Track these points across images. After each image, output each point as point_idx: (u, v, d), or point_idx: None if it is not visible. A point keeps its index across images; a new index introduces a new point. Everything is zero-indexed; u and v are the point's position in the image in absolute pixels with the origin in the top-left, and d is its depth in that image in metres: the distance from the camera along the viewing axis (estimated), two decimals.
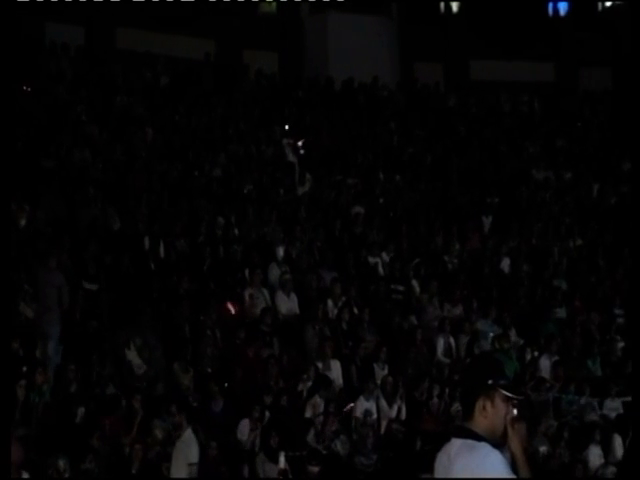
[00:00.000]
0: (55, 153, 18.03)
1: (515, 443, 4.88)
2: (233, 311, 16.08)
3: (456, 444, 4.84)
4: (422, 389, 15.47)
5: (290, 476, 13.09)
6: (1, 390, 6.75)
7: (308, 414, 14.60)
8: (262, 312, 16.13)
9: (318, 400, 14.66)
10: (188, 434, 11.18)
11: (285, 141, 21.59)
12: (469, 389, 4.90)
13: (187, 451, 11.05)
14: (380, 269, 18.40)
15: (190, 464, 11.00)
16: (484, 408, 4.82)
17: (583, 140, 25.05)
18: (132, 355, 14.49)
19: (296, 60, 26.49)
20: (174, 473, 11.17)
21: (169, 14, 23.64)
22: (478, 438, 4.78)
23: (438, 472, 4.87)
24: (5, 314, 7.82)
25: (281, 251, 17.83)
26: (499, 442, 4.81)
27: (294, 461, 13.37)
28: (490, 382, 4.83)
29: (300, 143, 21.79)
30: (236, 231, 18.00)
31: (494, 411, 4.82)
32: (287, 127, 22.08)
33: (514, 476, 4.70)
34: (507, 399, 4.84)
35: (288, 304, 16.80)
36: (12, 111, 14.86)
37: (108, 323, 14.95)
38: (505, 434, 4.84)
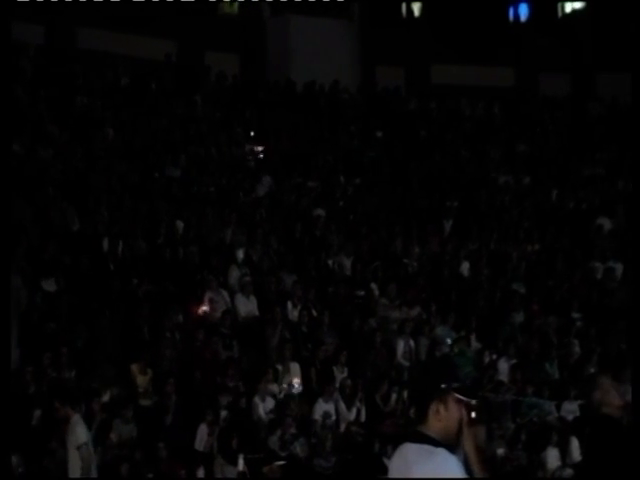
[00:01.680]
0: (15, 153, 17.90)
1: (469, 444, 4.88)
2: (201, 312, 16.03)
3: (412, 449, 4.83)
4: (381, 392, 15.51)
5: (248, 478, 13.08)
6: None
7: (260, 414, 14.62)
8: (222, 314, 16.11)
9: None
10: (75, 419, 11.01)
11: (248, 147, 21.61)
12: (422, 393, 4.89)
13: (73, 436, 10.87)
14: (340, 272, 18.43)
15: (78, 446, 10.82)
16: (438, 411, 4.82)
17: (542, 145, 25.23)
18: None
19: (257, 62, 26.46)
20: (70, 460, 10.94)
21: (130, 14, 23.53)
22: (435, 443, 4.77)
23: (394, 477, 4.86)
24: None
25: (241, 253, 17.81)
26: (453, 444, 4.81)
27: (253, 463, 13.36)
28: (443, 386, 4.83)
29: (260, 148, 21.81)
30: (196, 233, 17.95)
31: (448, 414, 4.82)
32: (252, 134, 22.09)
33: None
34: (461, 402, 4.85)
35: (248, 306, 16.80)
36: None
37: (67, 325, 14.86)
38: (459, 436, 4.84)
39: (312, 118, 23.68)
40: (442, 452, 4.74)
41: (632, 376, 5.96)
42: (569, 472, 14.94)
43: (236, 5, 26.92)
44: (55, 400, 11.07)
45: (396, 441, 5.02)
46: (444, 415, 4.81)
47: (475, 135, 25.06)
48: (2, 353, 7.62)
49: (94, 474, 11.02)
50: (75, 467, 10.83)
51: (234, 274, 17.28)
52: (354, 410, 15.31)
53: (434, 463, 4.72)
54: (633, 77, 14.35)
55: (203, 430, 13.97)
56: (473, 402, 4.88)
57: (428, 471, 4.70)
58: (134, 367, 14.54)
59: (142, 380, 14.42)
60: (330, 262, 18.54)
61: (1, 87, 8.77)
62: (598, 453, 7.14)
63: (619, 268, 20.60)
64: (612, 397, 7.11)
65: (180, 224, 17.86)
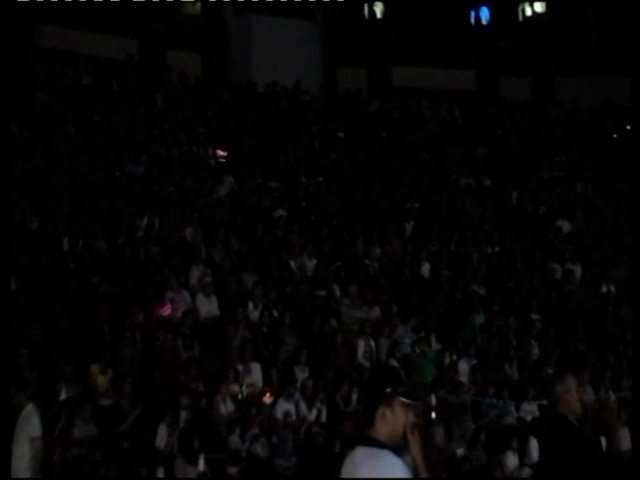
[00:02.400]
0: None
1: (415, 448, 5.00)
2: (163, 313, 15.97)
3: (360, 452, 5.00)
4: (342, 392, 15.54)
5: (209, 478, 13.06)
6: None
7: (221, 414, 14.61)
8: (183, 314, 16.07)
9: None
10: (29, 408, 10.80)
11: (210, 151, 21.58)
12: (370, 397, 5.06)
13: (28, 426, 10.65)
14: (301, 272, 18.44)
15: (33, 439, 10.63)
16: (384, 415, 4.99)
17: (503, 148, 25.41)
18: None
19: (220, 62, 26.43)
20: (16, 451, 10.66)
21: (92, 13, 23.41)
22: (381, 446, 4.94)
23: (344, 476, 5.01)
24: None
25: (202, 253, 17.77)
26: (400, 447, 4.96)
27: (213, 464, 13.34)
28: (389, 390, 4.99)
29: (221, 152, 21.79)
30: (157, 233, 17.90)
31: (393, 418, 4.98)
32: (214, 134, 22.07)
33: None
34: (406, 406, 4.99)
35: (208, 306, 16.76)
36: None
37: (26, 323, 14.75)
38: (406, 439, 4.98)
39: (274, 119, 23.68)
40: (387, 454, 4.92)
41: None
42: (527, 472, 15.05)
43: (199, 5, 26.86)
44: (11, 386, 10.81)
45: (356, 442, 5.11)
46: (390, 419, 4.99)
47: (436, 137, 25.20)
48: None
49: (38, 473, 10.78)
50: (23, 460, 10.53)
51: (195, 274, 17.24)
52: (315, 410, 15.32)
53: (378, 465, 4.90)
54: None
55: (163, 430, 13.93)
56: (420, 405, 5.16)
57: (372, 473, 4.89)
58: (94, 367, 14.46)
59: (102, 380, 14.35)
60: (291, 263, 18.55)
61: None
62: (552, 453, 7.21)
63: (578, 270, 20.79)
64: (572, 398, 7.18)
65: (141, 223, 17.79)
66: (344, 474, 5.01)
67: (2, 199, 8.11)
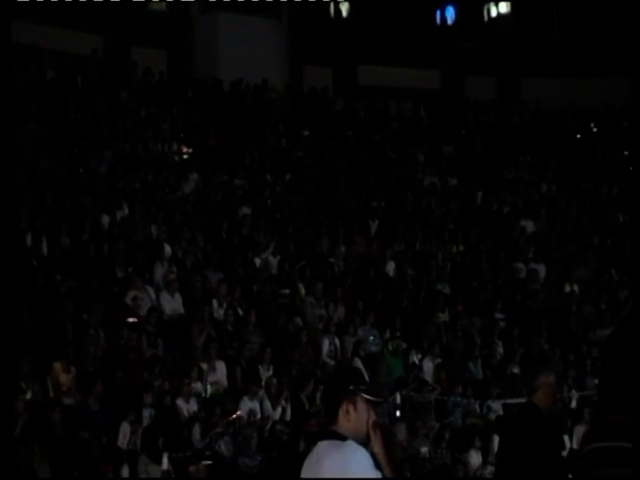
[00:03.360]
0: None
1: (377, 445, 5.06)
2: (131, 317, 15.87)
3: (323, 445, 5.07)
4: (307, 391, 15.52)
5: (173, 477, 12.99)
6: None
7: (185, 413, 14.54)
8: (147, 312, 15.98)
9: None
10: None
11: (175, 148, 21.48)
12: (333, 394, 5.14)
13: None
14: (266, 271, 18.40)
15: None
16: (347, 412, 5.06)
17: (467, 148, 25.48)
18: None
19: (185, 59, 26.31)
20: None
21: (57, 7, 23.21)
22: (343, 438, 5.01)
23: (305, 473, 5.06)
24: None
25: (167, 251, 17.68)
26: (363, 444, 5.03)
27: (177, 462, 13.27)
28: (352, 387, 5.07)
29: (186, 149, 21.70)
30: (121, 230, 17.78)
31: (356, 414, 5.05)
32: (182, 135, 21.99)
33: (378, 472, 4.94)
34: (369, 403, 5.07)
35: (173, 304, 16.69)
36: None
37: None
38: (368, 436, 5.05)
39: (239, 116, 23.61)
40: (350, 444, 4.99)
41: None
42: (491, 470, 15.10)
43: (164, 1, 26.73)
44: None
45: (319, 438, 5.19)
46: (353, 415, 5.06)
47: (401, 136, 25.23)
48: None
49: None
50: None
51: (159, 271, 17.16)
52: (279, 409, 15.30)
53: (342, 454, 4.96)
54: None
55: (126, 428, 13.85)
56: (383, 402, 5.11)
57: (337, 462, 4.94)
58: (57, 365, 14.34)
59: (65, 378, 14.23)
60: (256, 261, 18.50)
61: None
62: (516, 440, 7.32)
63: (542, 270, 20.91)
64: (550, 391, 7.36)
65: (105, 220, 17.67)
66: (306, 469, 5.06)
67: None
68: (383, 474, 4.98)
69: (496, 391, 16.77)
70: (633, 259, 15.92)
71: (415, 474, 14.50)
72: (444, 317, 18.59)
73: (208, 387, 15.21)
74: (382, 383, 15.88)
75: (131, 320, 15.78)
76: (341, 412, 5.05)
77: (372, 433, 5.05)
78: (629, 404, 8.10)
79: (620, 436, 8.00)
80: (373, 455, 5.03)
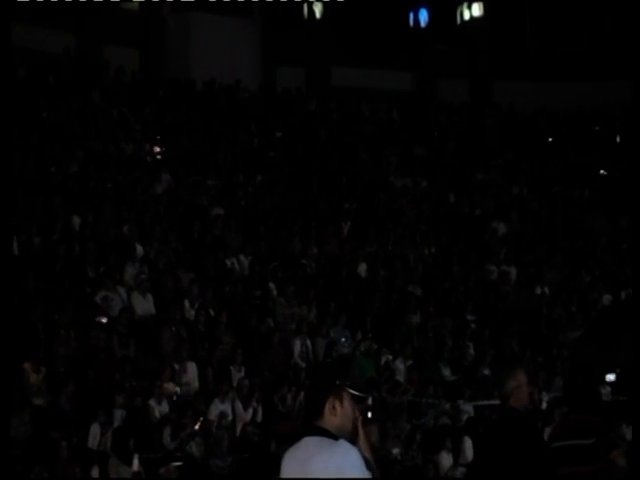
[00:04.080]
0: None
1: (365, 444, 5.03)
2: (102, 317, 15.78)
3: (313, 441, 4.94)
4: (279, 392, 15.50)
5: (143, 478, 12.94)
6: None
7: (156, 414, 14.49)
8: (118, 312, 15.91)
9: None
10: None
11: (147, 148, 21.40)
12: (318, 390, 5.05)
13: None
14: (238, 271, 18.37)
15: None
16: (334, 407, 4.98)
17: (440, 150, 25.55)
18: None
19: (157, 59, 26.22)
20: None
21: (28, 5, 23.06)
22: (332, 435, 4.92)
23: (291, 471, 4.92)
24: None
25: (138, 251, 17.61)
26: (349, 439, 4.95)
27: (148, 463, 13.22)
28: (338, 382, 5.01)
29: (158, 149, 21.62)
30: (92, 230, 17.70)
31: (343, 410, 4.98)
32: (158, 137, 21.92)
33: (369, 472, 4.85)
34: (355, 398, 5.01)
35: (144, 305, 16.63)
36: None
37: None
38: (355, 433, 5.00)
39: (212, 116, 23.56)
40: (343, 443, 4.89)
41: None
42: (461, 471, 15.15)
43: (137, 1, 26.62)
44: None
45: (292, 441, 5.08)
46: (339, 411, 4.97)
47: (374, 138, 25.25)
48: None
49: None
50: None
51: (131, 272, 17.08)
52: (251, 410, 15.28)
53: (336, 453, 4.84)
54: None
55: (96, 429, 13.79)
56: (368, 398, 5.10)
57: (330, 461, 4.82)
58: (27, 365, 14.24)
59: (35, 379, 14.14)
60: (228, 261, 18.47)
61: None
62: (499, 444, 7.33)
63: (513, 272, 20.99)
64: (523, 392, 7.36)
65: (77, 220, 17.58)
66: (291, 464, 4.94)
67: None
68: (372, 472, 4.93)
69: (467, 393, 16.81)
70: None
71: (386, 476, 14.51)
72: (415, 318, 18.63)
73: (179, 389, 15.15)
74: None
75: (101, 319, 15.70)
76: (327, 407, 4.97)
77: (361, 431, 5.01)
78: (592, 403, 8.20)
79: (580, 434, 8.09)
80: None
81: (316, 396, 5.04)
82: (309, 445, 4.94)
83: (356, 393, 5.01)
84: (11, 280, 8.51)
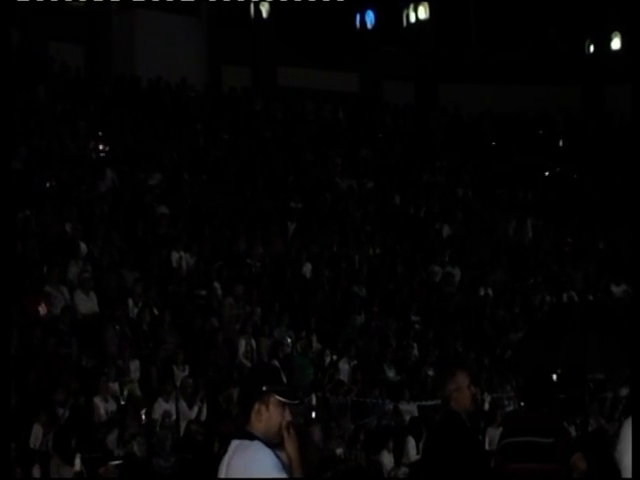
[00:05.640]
0: None
1: (290, 446, 5.12)
2: (40, 310, 15.59)
3: (234, 445, 5.15)
4: (224, 391, 15.45)
5: (85, 478, 12.83)
6: None
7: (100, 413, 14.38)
8: (61, 311, 15.75)
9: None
10: None
11: (92, 145, 21.22)
12: (246, 394, 5.21)
13: None
14: (182, 270, 18.28)
15: None
16: (259, 412, 5.12)
17: (385, 151, 25.64)
18: None
19: (103, 56, 26.02)
20: None
21: None
22: (252, 438, 5.09)
23: (220, 473, 5.16)
24: None
25: (82, 249, 17.45)
26: (276, 444, 5.10)
27: (90, 463, 13.10)
28: (265, 388, 5.12)
29: (102, 147, 21.45)
30: (35, 227, 17.51)
31: (268, 415, 5.11)
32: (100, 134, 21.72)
33: (282, 471, 5.01)
34: (282, 404, 5.11)
35: (87, 303, 16.50)
36: None
37: None
38: (281, 437, 5.11)
39: (157, 114, 23.42)
40: (256, 444, 5.06)
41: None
42: (404, 471, 15.21)
43: None
44: None
45: (232, 437, 5.25)
46: (265, 416, 5.11)
47: (320, 138, 25.28)
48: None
49: None
50: None
51: (74, 270, 16.92)
52: (195, 409, 15.21)
53: (248, 454, 5.04)
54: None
55: (38, 429, 13.65)
56: (297, 404, 5.20)
57: (242, 462, 5.04)
58: None
59: None
60: (172, 260, 18.37)
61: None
62: (439, 448, 7.36)
63: (457, 273, 21.12)
64: (463, 395, 7.35)
65: (19, 217, 17.37)
66: (220, 468, 5.14)
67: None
68: (292, 475, 5.04)
69: (411, 393, 16.88)
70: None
71: (330, 476, 14.52)
72: (360, 319, 18.67)
73: (123, 388, 15.04)
74: (298, 384, 15.88)
75: (41, 312, 15.50)
76: (253, 412, 5.11)
77: (285, 434, 5.09)
78: (548, 402, 8.26)
79: (537, 432, 8.15)
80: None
81: (245, 401, 5.18)
82: (232, 448, 5.14)
83: (282, 399, 5.10)
84: None
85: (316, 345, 17.62)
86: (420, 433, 15.26)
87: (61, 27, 24.97)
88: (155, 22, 26.22)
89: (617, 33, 28.90)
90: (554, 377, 14.76)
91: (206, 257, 18.72)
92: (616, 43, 28.95)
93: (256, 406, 5.10)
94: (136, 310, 16.64)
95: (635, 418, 6.03)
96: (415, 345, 18.46)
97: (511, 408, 16.52)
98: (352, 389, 16.61)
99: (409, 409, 16.65)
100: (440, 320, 19.41)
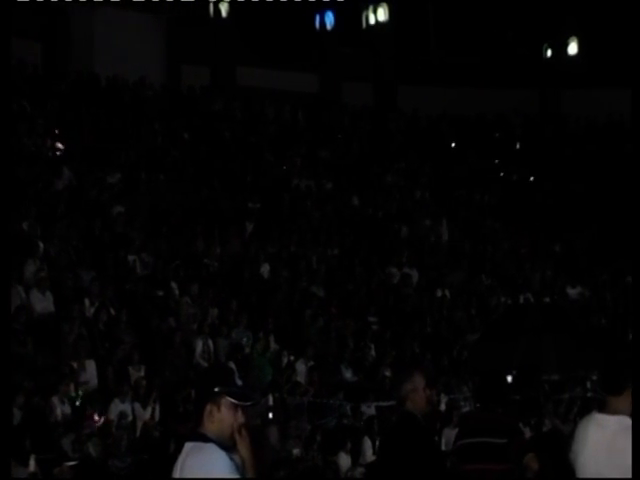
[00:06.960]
0: None
1: (243, 448, 5.12)
2: None
3: (187, 446, 5.13)
4: (180, 392, 15.38)
5: (40, 479, 12.72)
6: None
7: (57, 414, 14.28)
8: (16, 310, 15.61)
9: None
10: None
11: (49, 143, 21.05)
12: (198, 395, 5.22)
13: None
14: (139, 270, 18.19)
15: None
16: (211, 413, 5.10)
17: (344, 152, 25.68)
18: None
19: (61, 53, 25.80)
20: None
21: None
22: (206, 440, 5.07)
23: (174, 474, 5.13)
24: None
25: (38, 248, 17.31)
26: (229, 445, 5.09)
27: (45, 464, 13.00)
28: (217, 389, 5.10)
29: (59, 145, 21.29)
30: None
31: (220, 417, 5.09)
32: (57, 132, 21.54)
33: (236, 473, 5.01)
34: (234, 406, 5.10)
35: (43, 302, 16.38)
36: None
37: None
38: (234, 439, 5.10)
39: (115, 113, 23.27)
40: (210, 447, 5.05)
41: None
42: (360, 471, 15.24)
43: None
44: None
45: (186, 439, 5.24)
46: (217, 417, 5.09)
47: (278, 139, 25.26)
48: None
49: None
50: None
51: (30, 269, 16.78)
52: (149, 409, 15.14)
53: (201, 457, 5.03)
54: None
55: None
56: (249, 405, 5.17)
57: (195, 464, 5.03)
58: None
59: None
60: (129, 259, 18.27)
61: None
62: (395, 448, 7.39)
63: (414, 274, 21.20)
64: (419, 396, 7.38)
65: None
66: (174, 470, 5.12)
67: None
68: (246, 477, 5.04)
69: (368, 394, 16.91)
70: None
71: (286, 476, 14.51)
72: (319, 320, 18.66)
73: (79, 389, 14.93)
74: (254, 385, 15.86)
75: None
76: (205, 414, 5.09)
77: (237, 436, 5.08)
78: (502, 403, 8.31)
79: (491, 433, 8.20)
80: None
81: (197, 402, 5.17)
82: (185, 450, 5.13)
83: (234, 401, 5.08)
84: None
85: (274, 345, 17.61)
86: (377, 433, 15.30)
87: (18, 23, 24.71)
88: (114, 20, 26.05)
89: (574, 38, 29.18)
90: (509, 378, 14.88)
91: (163, 257, 18.64)
92: (573, 48, 29.23)
93: (208, 407, 5.08)
94: (92, 310, 16.54)
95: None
96: (372, 346, 18.50)
97: (467, 409, 16.59)
98: (309, 390, 16.62)
99: (366, 410, 16.68)
100: (398, 321, 19.48)
